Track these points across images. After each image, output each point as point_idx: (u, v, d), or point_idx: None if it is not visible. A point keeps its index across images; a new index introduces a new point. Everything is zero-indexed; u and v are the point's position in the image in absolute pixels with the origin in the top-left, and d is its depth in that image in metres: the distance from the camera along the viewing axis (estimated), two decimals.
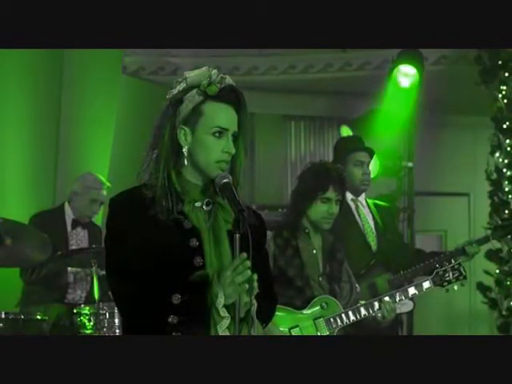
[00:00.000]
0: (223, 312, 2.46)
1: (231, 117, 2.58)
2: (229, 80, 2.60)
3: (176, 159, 2.58)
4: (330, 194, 4.00)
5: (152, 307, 2.49)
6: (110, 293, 5.01)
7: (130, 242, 2.51)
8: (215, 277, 2.48)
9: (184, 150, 2.57)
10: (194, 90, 2.57)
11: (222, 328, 2.46)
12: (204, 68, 2.60)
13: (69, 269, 5.27)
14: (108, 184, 5.50)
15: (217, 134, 2.56)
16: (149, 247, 2.50)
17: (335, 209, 4.02)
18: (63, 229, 5.37)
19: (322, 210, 4.01)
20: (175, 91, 2.59)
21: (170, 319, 2.47)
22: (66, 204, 5.45)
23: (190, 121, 2.56)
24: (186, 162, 2.57)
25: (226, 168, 2.58)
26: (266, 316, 2.68)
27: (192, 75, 2.59)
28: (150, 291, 2.48)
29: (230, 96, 2.58)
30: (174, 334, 2.47)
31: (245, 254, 2.43)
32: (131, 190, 2.60)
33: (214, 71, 2.58)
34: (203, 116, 2.56)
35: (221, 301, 2.45)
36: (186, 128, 2.57)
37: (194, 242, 2.53)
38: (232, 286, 2.44)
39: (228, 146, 2.56)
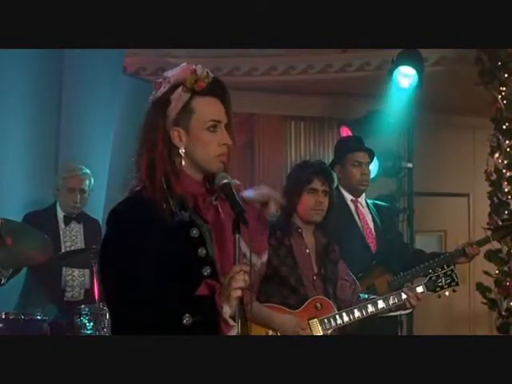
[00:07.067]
0: (231, 321, 2.44)
1: (220, 109, 2.57)
2: (211, 73, 2.58)
3: (173, 161, 2.54)
4: (316, 184, 4.06)
5: (162, 329, 2.44)
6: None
7: (134, 255, 2.45)
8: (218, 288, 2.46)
9: (181, 150, 2.54)
10: (180, 89, 2.53)
11: None
12: (183, 64, 2.58)
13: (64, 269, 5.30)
14: (86, 170, 5.45)
15: (211, 129, 2.54)
16: (155, 259, 2.45)
17: (323, 199, 4.05)
18: (55, 226, 5.37)
19: (310, 202, 4.05)
20: (159, 93, 2.56)
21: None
22: (57, 202, 5.47)
23: (182, 120, 2.54)
24: (183, 163, 2.55)
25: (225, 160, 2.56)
26: None
27: (174, 74, 2.56)
28: (159, 314, 2.45)
29: (216, 89, 2.57)
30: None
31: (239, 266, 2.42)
32: (129, 199, 2.55)
33: (199, 66, 2.56)
34: (195, 113, 2.54)
35: (227, 310, 2.43)
36: (179, 129, 2.54)
37: (202, 251, 2.51)
38: (228, 293, 2.42)
39: (224, 138, 2.55)
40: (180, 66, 2.58)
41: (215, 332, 2.45)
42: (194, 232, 2.52)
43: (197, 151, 2.55)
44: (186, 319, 2.43)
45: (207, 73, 2.55)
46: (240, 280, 2.40)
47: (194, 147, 2.55)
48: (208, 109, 2.55)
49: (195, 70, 2.54)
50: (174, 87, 2.54)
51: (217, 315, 2.44)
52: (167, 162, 2.53)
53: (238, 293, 2.41)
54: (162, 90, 2.56)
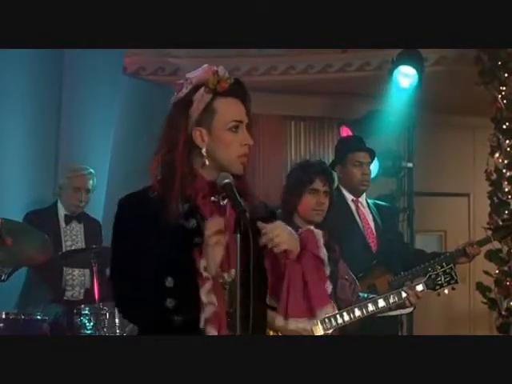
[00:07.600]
0: (205, 273, 2.43)
1: (242, 109, 2.61)
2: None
3: (191, 162, 2.56)
4: (317, 184, 4.05)
5: (148, 296, 2.45)
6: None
7: (133, 243, 2.50)
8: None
9: (203, 150, 2.55)
10: (202, 89, 2.56)
11: (206, 290, 2.44)
12: (205, 66, 2.60)
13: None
14: (91, 170, 5.48)
15: (233, 129, 2.56)
16: (152, 248, 2.48)
17: (324, 199, 4.05)
18: (56, 225, 5.39)
19: (311, 202, 4.04)
20: (182, 94, 2.58)
21: (166, 303, 2.44)
22: (59, 201, 5.48)
23: (204, 121, 2.55)
24: (207, 163, 2.56)
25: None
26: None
27: (196, 75, 2.59)
28: (144, 276, 2.46)
29: (237, 89, 2.60)
30: (174, 318, 2.44)
31: (221, 220, 2.44)
32: (138, 192, 2.60)
33: (220, 67, 2.58)
34: (217, 113, 2.56)
35: (202, 262, 2.43)
36: (201, 129, 2.55)
37: (197, 241, 2.50)
38: (206, 243, 2.43)
39: (246, 139, 2.58)
40: (202, 68, 2.60)
41: (196, 291, 2.44)
42: (191, 224, 2.53)
43: (218, 151, 2.56)
44: (168, 282, 2.43)
45: (228, 73, 2.58)
46: (214, 224, 2.42)
47: (215, 147, 2.56)
48: (230, 109, 2.57)
49: (217, 71, 2.57)
50: (195, 88, 2.56)
51: (196, 274, 2.44)
52: (185, 163, 2.55)
53: (214, 239, 2.41)
54: (184, 90, 2.58)
